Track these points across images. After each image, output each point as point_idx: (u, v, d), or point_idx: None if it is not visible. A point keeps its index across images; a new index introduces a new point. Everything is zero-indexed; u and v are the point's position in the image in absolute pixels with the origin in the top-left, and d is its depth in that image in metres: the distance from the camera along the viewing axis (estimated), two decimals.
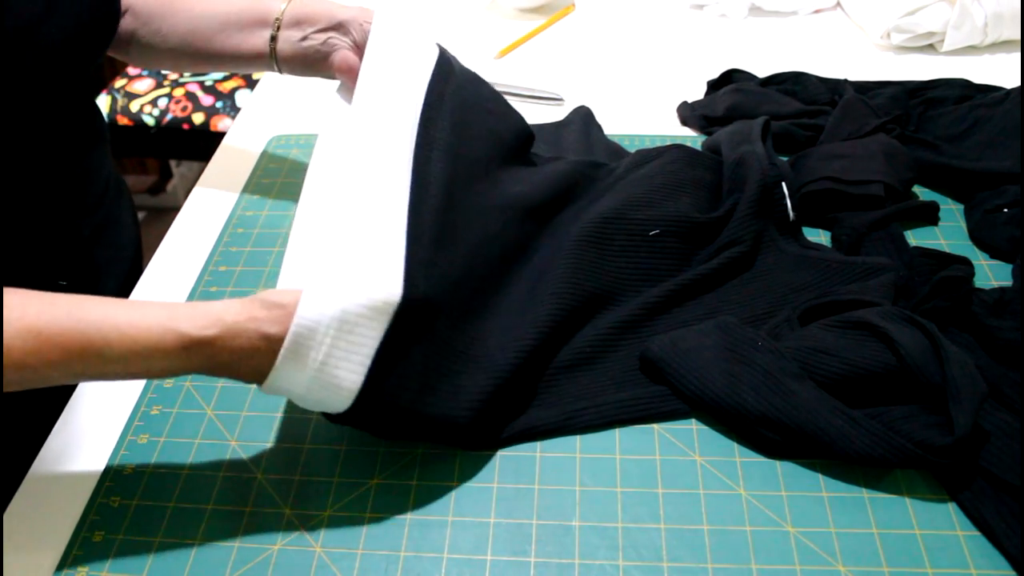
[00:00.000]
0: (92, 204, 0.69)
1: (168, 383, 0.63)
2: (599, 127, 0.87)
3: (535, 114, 0.91)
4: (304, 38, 0.68)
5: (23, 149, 0.59)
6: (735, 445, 0.57)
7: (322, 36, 0.68)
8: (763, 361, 0.56)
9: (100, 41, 0.64)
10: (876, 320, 0.56)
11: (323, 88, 0.99)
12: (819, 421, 0.53)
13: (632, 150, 0.83)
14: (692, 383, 0.58)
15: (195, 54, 0.72)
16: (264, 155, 0.88)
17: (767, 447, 0.56)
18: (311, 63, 0.69)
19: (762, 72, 0.92)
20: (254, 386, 0.61)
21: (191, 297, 0.71)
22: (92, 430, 0.61)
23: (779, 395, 0.55)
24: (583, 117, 0.87)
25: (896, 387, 0.55)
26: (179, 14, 0.70)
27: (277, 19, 0.68)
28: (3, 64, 0.53)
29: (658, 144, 0.84)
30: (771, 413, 0.54)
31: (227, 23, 0.69)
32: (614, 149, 0.83)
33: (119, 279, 0.74)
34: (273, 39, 0.69)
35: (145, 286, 0.73)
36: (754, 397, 0.55)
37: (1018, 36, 0.96)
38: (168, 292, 0.72)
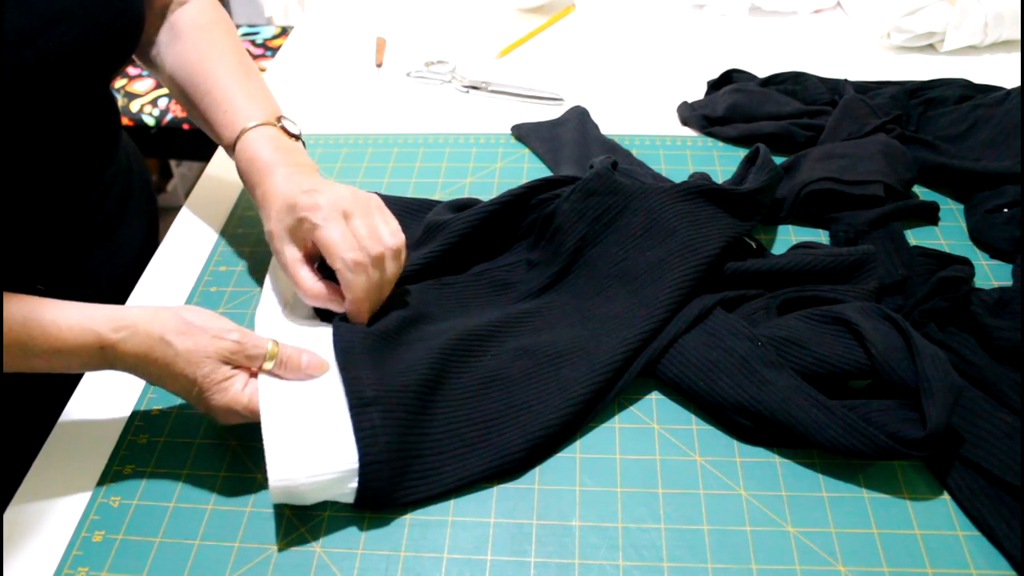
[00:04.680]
0: (88, 209, 0.69)
1: None
2: (595, 125, 0.87)
3: (535, 114, 0.91)
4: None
5: (14, 153, 0.58)
6: (735, 445, 0.57)
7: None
8: (741, 349, 0.57)
9: (111, 56, 0.63)
10: (852, 316, 0.56)
11: (325, 89, 0.99)
12: (793, 410, 0.54)
13: (632, 150, 0.83)
14: (670, 370, 0.59)
15: (182, 96, 0.71)
16: None
17: (740, 433, 0.57)
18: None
19: (762, 72, 0.92)
20: None
21: (191, 296, 0.71)
22: (92, 430, 0.61)
23: (755, 384, 0.55)
24: (579, 115, 0.88)
25: (871, 384, 0.55)
26: (184, 51, 0.70)
27: (243, 130, 0.65)
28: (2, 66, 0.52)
29: (657, 143, 0.85)
30: (746, 402, 0.55)
31: (208, 100, 0.68)
32: (610, 146, 0.83)
33: (113, 279, 0.73)
34: (232, 147, 0.66)
35: (145, 286, 0.73)
36: (730, 385, 0.56)
37: (1018, 36, 0.96)
38: (168, 292, 0.72)
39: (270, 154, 0.63)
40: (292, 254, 0.60)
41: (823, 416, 0.53)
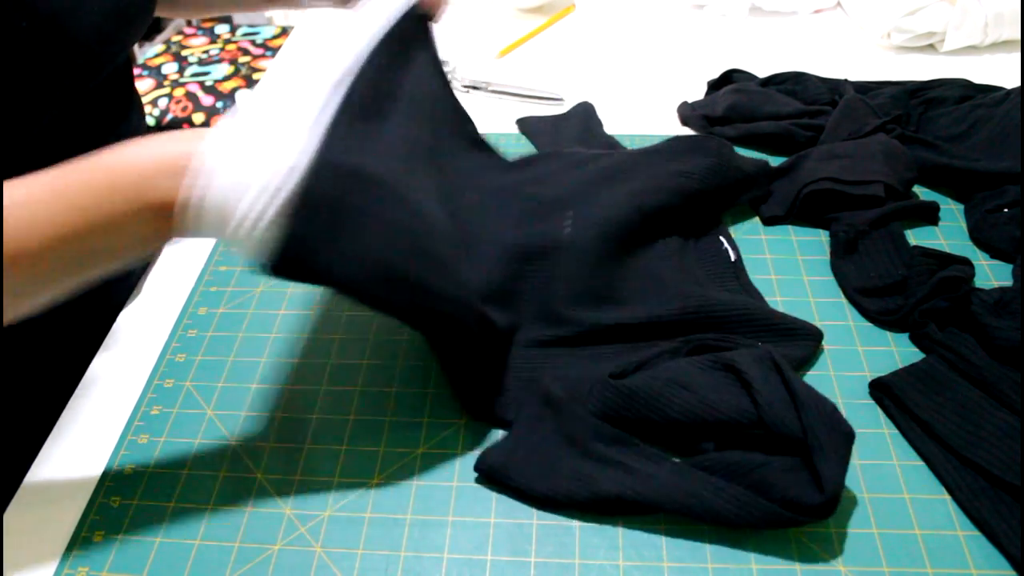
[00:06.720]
0: None
1: (168, 383, 0.63)
2: (599, 122, 0.87)
3: (535, 114, 0.91)
4: None
5: (31, 140, 0.58)
6: None
7: None
8: (612, 454, 0.53)
9: (131, 31, 0.64)
10: (741, 364, 0.53)
11: None
12: (681, 498, 0.50)
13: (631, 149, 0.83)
14: (540, 490, 0.53)
15: None
16: None
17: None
18: None
19: (762, 72, 0.92)
20: (253, 386, 0.62)
21: (192, 296, 0.71)
22: (92, 430, 0.61)
23: (639, 481, 0.51)
24: (584, 111, 0.88)
25: (764, 436, 0.51)
26: None
27: None
28: (30, 51, 0.52)
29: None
30: (630, 497, 0.51)
31: None
32: (612, 144, 0.83)
33: (116, 276, 0.73)
34: None
35: (146, 285, 0.73)
36: (612, 485, 0.52)
37: (1018, 36, 0.96)
38: (169, 291, 0.72)
39: None
40: None
41: (713, 498, 0.49)
